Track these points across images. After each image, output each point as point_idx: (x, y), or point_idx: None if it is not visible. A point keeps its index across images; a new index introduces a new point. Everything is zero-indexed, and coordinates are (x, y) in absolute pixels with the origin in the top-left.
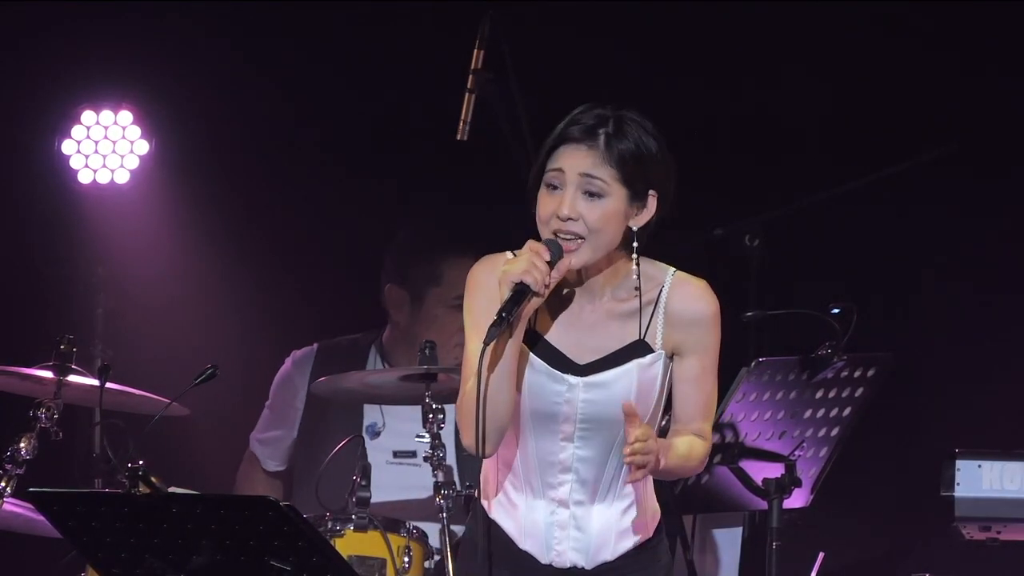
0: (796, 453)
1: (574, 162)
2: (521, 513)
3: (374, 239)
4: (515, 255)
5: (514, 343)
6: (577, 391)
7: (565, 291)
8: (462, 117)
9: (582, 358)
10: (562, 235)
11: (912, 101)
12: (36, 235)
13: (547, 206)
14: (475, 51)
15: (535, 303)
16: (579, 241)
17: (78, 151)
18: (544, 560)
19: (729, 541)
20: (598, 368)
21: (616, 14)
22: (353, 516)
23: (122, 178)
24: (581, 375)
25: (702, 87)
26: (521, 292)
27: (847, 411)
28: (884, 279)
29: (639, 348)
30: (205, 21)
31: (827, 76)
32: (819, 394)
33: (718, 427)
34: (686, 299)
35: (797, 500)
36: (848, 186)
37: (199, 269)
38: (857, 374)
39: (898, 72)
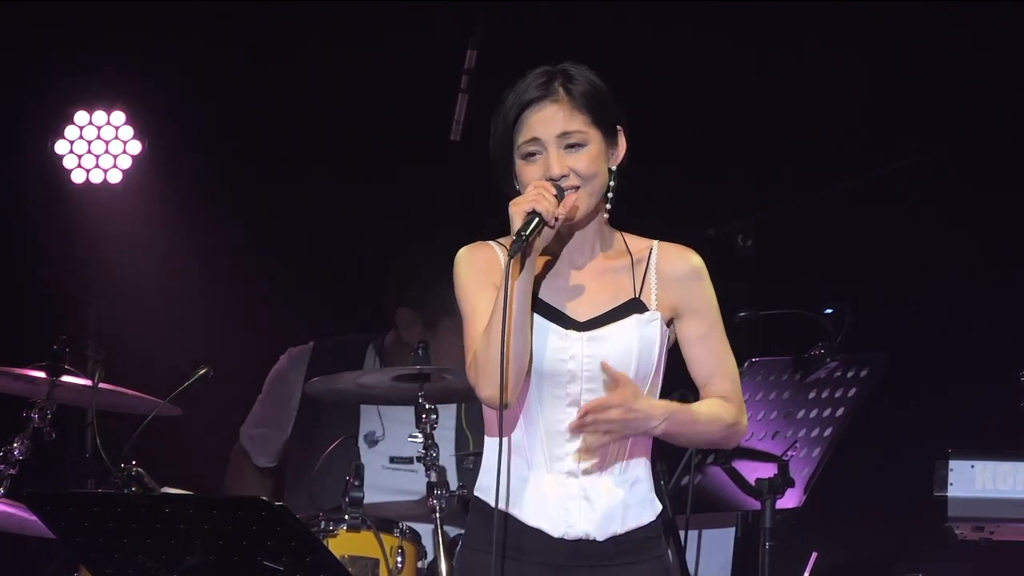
0: (789, 453)
1: (546, 126)
2: (529, 490)
3: (366, 238)
4: (499, 242)
5: (527, 278)
6: (580, 346)
7: (557, 251)
8: (455, 117)
9: (580, 315)
10: None
11: (906, 101)
12: (29, 235)
13: (533, 174)
14: (468, 51)
15: (546, 235)
16: (576, 191)
17: (71, 151)
18: (556, 534)
19: (722, 541)
20: (598, 324)
21: (608, 14)
22: (346, 516)
23: (115, 178)
24: (582, 331)
25: (695, 87)
26: (533, 220)
27: (840, 411)
28: (877, 279)
29: (635, 305)
30: (198, 22)
31: (821, 76)
32: (812, 394)
33: None
34: (675, 258)
35: (790, 500)
36: (841, 186)
37: (192, 269)
38: (850, 374)
39: (892, 73)
